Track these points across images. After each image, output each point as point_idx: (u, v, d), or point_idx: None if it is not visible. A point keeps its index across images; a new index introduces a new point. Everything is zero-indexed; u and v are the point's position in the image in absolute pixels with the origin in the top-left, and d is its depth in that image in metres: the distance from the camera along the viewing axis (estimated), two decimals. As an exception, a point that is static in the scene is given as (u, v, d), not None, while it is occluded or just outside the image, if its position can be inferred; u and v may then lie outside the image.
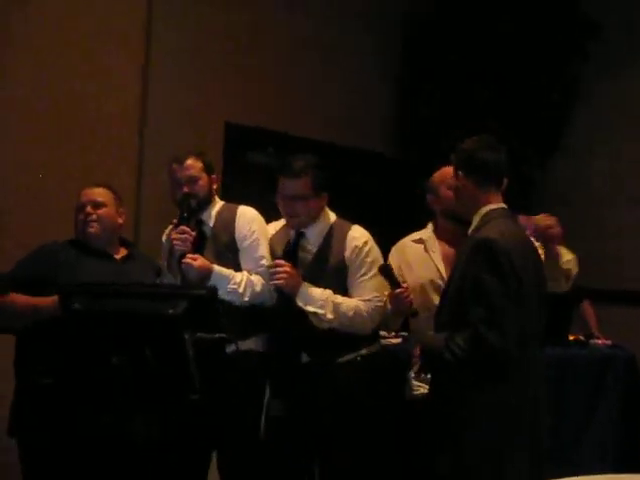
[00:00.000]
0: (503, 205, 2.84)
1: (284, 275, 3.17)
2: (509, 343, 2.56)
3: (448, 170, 3.19)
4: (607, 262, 5.53)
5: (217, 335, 2.38)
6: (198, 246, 3.31)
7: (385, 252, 3.47)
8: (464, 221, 2.98)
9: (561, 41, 5.80)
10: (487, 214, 2.79)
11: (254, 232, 3.37)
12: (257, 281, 3.28)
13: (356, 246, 3.28)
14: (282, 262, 3.19)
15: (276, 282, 3.18)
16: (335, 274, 3.28)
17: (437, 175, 3.43)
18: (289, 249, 3.35)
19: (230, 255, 3.35)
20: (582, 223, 5.55)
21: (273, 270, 3.19)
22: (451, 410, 2.70)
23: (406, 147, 6.10)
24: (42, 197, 4.34)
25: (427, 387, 3.10)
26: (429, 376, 2.99)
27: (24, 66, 4.29)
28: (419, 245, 3.47)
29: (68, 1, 4.52)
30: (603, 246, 5.48)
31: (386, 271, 3.20)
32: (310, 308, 3.20)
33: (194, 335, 2.36)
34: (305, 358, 3.27)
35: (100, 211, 3.27)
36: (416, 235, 3.52)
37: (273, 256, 3.34)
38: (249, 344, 3.27)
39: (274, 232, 3.47)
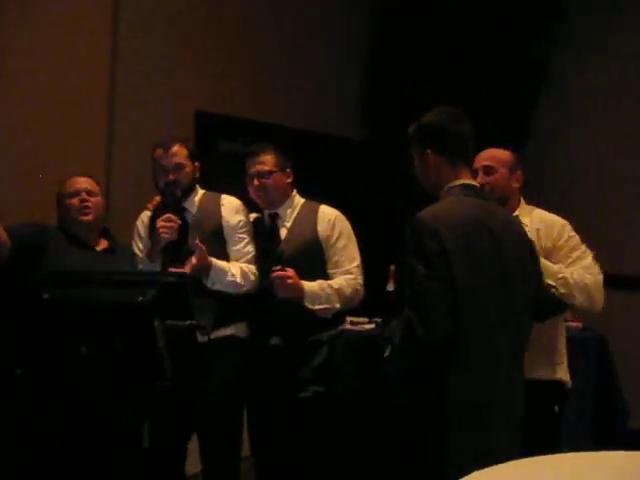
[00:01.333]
0: (468, 181, 2.67)
1: (289, 285, 3.23)
2: (433, 327, 2.43)
3: (488, 154, 3.22)
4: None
5: (187, 322, 2.37)
6: (181, 234, 3.32)
7: (357, 232, 3.56)
8: None
9: (527, 23, 5.79)
10: (447, 191, 2.64)
11: (241, 222, 3.44)
12: (249, 270, 3.36)
13: (329, 220, 3.45)
14: (283, 273, 3.22)
15: (282, 295, 3.25)
16: (309, 249, 3.41)
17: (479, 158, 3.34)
18: (268, 234, 3.47)
19: (216, 243, 3.38)
20: (556, 207, 5.59)
21: (278, 282, 3.23)
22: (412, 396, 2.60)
23: (375, 130, 6.09)
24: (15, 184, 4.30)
25: None
26: None
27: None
28: None
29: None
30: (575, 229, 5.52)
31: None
32: (319, 306, 3.32)
33: (164, 323, 2.35)
34: (275, 340, 3.39)
35: (93, 199, 3.26)
36: None
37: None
38: (231, 330, 3.35)
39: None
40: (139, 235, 3.48)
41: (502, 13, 5.70)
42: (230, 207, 3.46)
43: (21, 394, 2.96)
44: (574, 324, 4.61)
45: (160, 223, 3.26)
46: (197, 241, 3.22)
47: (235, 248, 3.41)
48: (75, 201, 3.22)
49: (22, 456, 2.94)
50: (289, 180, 3.52)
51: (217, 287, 3.28)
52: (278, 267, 3.22)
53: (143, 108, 4.85)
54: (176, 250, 3.28)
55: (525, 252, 2.69)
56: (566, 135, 6.04)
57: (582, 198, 5.81)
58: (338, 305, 3.36)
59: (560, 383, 3.12)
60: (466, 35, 5.68)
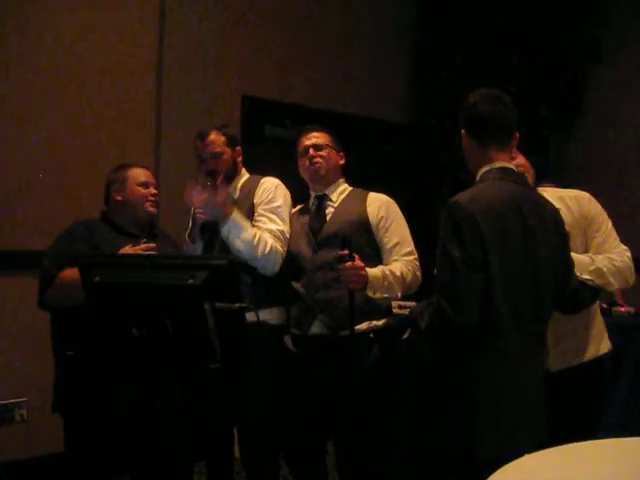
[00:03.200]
0: (505, 164, 2.63)
1: (355, 277, 3.06)
2: (466, 314, 2.43)
3: None
4: (631, 230, 5.47)
5: (237, 305, 2.37)
6: None
7: (406, 217, 3.44)
8: None
9: (578, 2, 5.69)
10: (484, 174, 2.62)
11: (274, 198, 3.35)
12: (271, 244, 3.23)
13: (380, 203, 3.36)
14: (349, 264, 3.03)
15: (349, 287, 3.06)
16: (356, 229, 3.26)
17: None
18: (314, 213, 3.37)
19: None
20: (605, 190, 5.49)
21: (344, 274, 3.04)
22: (440, 380, 2.62)
23: (423, 114, 6.04)
24: (59, 176, 4.36)
25: None
26: None
27: (36, 44, 4.29)
28: None
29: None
30: (626, 214, 5.44)
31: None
32: (379, 294, 3.18)
33: (214, 305, 2.35)
34: (315, 329, 3.25)
35: (158, 193, 3.38)
36: None
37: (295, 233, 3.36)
38: (264, 315, 3.21)
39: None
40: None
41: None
42: (264, 187, 3.39)
43: (75, 375, 3.03)
44: (623, 309, 4.55)
45: (196, 204, 3.28)
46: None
47: (256, 224, 3.30)
48: (145, 191, 3.31)
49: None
50: (341, 162, 3.47)
51: (231, 241, 3.20)
52: (346, 252, 3.03)
53: (190, 95, 4.88)
54: (215, 231, 3.29)
55: (557, 240, 2.67)
56: (615, 115, 5.92)
57: (631, 177, 5.72)
58: (399, 294, 3.24)
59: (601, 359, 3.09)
60: (515, 15, 5.60)
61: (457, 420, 2.51)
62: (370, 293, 3.15)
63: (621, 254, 2.96)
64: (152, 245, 3.11)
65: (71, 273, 2.99)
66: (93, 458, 3.05)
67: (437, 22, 6.01)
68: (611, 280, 2.90)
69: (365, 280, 3.09)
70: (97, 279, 2.49)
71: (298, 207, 3.52)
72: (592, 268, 2.88)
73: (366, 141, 5.74)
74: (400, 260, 3.26)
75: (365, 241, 3.26)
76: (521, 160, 3.08)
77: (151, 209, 3.31)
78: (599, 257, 2.93)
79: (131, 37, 4.65)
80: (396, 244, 3.29)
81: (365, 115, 5.79)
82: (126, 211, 3.30)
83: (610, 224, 3.05)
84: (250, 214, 3.33)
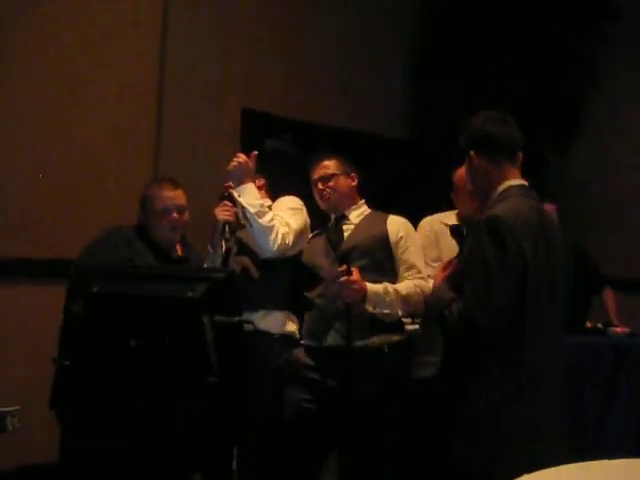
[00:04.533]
0: (522, 182, 2.71)
1: (354, 290, 3.12)
2: (495, 324, 2.48)
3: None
4: (629, 250, 5.48)
5: (236, 318, 2.36)
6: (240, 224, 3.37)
7: None
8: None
9: (578, 20, 5.72)
10: (505, 191, 2.67)
11: (291, 207, 3.41)
12: (277, 227, 3.25)
13: (399, 224, 3.41)
14: (347, 278, 3.10)
15: (346, 300, 3.13)
16: (375, 245, 3.33)
17: (458, 178, 3.42)
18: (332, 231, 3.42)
19: None
20: (603, 210, 5.51)
21: (346, 287, 3.12)
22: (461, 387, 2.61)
23: (422, 130, 6.05)
24: (62, 182, 4.37)
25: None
26: None
27: (39, 48, 4.30)
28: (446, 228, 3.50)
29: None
30: (625, 234, 5.46)
31: (457, 232, 3.09)
32: (379, 310, 3.20)
33: (213, 318, 2.35)
34: (331, 339, 3.24)
35: (183, 216, 3.27)
36: (445, 219, 3.58)
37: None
38: (266, 323, 3.25)
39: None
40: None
41: (550, 12, 5.63)
42: (282, 198, 3.48)
43: (70, 386, 3.01)
44: (619, 330, 4.56)
45: (216, 210, 3.31)
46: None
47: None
48: (165, 221, 3.22)
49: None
50: (354, 184, 3.49)
51: (243, 205, 3.22)
52: (344, 268, 3.12)
53: (191, 107, 4.88)
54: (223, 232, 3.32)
55: (566, 257, 2.76)
56: (614, 134, 5.94)
57: (631, 196, 5.74)
58: (400, 312, 3.26)
59: None
60: (513, 34, 5.62)
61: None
62: (369, 308, 3.18)
63: None
64: None
65: None
66: (88, 468, 3.02)
67: (437, 38, 6.03)
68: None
69: (361, 294, 3.13)
70: (95, 289, 2.48)
71: (316, 232, 3.54)
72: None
73: (364, 157, 5.74)
74: (412, 280, 3.29)
75: (385, 257, 3.31)
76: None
77: (173, 237, 3.26)
78: None
79: (133, 50, 4.66)
80: (412, 265, 3.33)
81: (364, 130, 5.80)
82: (151, 232, 3.27)
83: None
84: None
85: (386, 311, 3.21)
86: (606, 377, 4.12)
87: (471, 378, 2.57)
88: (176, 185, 3.31)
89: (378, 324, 3.22)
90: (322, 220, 3.56)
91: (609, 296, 5.03)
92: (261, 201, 3.27)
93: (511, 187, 2.67)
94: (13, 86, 4.19)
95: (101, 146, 4.49)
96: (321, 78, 5.62)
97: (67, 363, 2.82)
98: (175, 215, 3.22)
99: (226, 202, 3.33)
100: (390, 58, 6.07)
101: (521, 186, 2.69)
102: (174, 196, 3.26)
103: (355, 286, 3.11)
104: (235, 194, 3.26)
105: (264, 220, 3.22)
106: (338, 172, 3.44)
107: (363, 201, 3.53)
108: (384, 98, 6.00)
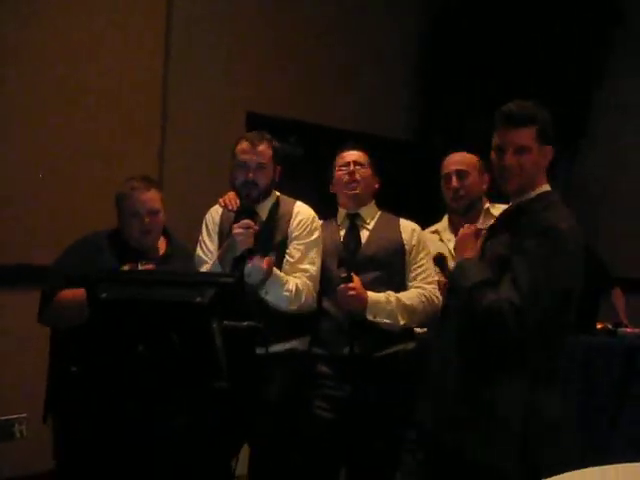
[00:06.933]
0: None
1: (353, 296, 3.06)
2: (523, 331, 2.40)
3: (458, 158, 3.36)
4: (634, 250, 5.46)
5: (245, 323, 2.35)
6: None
7: None
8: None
9: (583, 22, 5.70)
10: (546, 196, 2.56)
11: (310, 232, 3.21)
12: (306, 288, 3.12)
13: (413, 230, 3.33)
14: (347, 285, 3.05)
15: (344, 307, 3.09)
16: (392, 254, 3.27)
17: (450, 163, 3.47)
18: (347, 232, 3.33)
19: (278, 254, 3.15)
20: (611, 210, 5.48)
21: (345, 294, 3.06)
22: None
23: (429, 134, 6.03)
24: (62, 186, 4.35)
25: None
26: None
27: (42, 56, 4.30)
28: (435, 235, 3.54)
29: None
30: (634, 234, 5.42)
31: (440, 261, 3.09)
32: (380, 319, 3.12)
33: (222, 323, 2.33)
34: (347, 349, 3.16)
35: (156, 219, 3.12)
36: (432, 227, 3.61)
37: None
38: (294, 343, 3.16)
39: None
40: (208, 233, 3.26)
41: (555, 14, 5.62)
42: (300, 218, 3.22)
43: (78, 393, 2.99)
44: (629, 330, 4.53)
45: (237, 230, 2.98)
46: (291, 252, 3.14)
47: (291, 260, 3.15)
48: (136, 223, 3.08)
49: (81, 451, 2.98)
50: (376, 186, 3.44)
51: (268, 297, 3.06)
52: (344, 274, 3.06)
53: (195, 110, 4.88)
54: (242, 257, 3.00)
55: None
56: (622, 137, 5.91)
57: (634, 200, 5.72)
58: (402, 322, 3.15)
59: None
60: (519, 35, 5.62)
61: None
62: (370, 317, 3.12)
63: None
64: (150, 267, 2.97)
65: (69, 294, 2.95)
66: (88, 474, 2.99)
67: (441, 39, 6.03)
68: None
69: (362, 303, 3.08)
70: (104, 295, 2.47)
71: (322, 222, 3.39)
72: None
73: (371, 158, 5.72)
74: (420, 287, 3.23)
75: (400, 268, 3.25)
76: None
77: (145, 242, 3.10)
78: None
79: (137, 51, 4.65)
80: (421, 272, 3.26)
81: (370, 132, 5.78)
82: (126, 233, 3.16)
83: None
84: (283, 240, 3.20)
85: (386, 321, 3.13)
86: (617, 378, 4.09)
87: (500, 371, 2.50)
88: (149, 185, 3.14)
89: (392, 333, 3.16)
90: (324, 213, 3.43)
91: (618, 296, 5.00)
92: (285, 287, 3.06)
93: (550, 193, 2.59)
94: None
95: (104, 152, 4.48)
96: (327, 81, 5.61)
97: (76, 370, 2.80)
98: (147, 219, 3.08)
99: (248, 222, 3.00)
100: (397, 60, 6.06)
101: (556, 193, 2.61)
102: (145, 199, 3.09)
103: (353, 292, 3.05)
104: (262, 294, 3.04)
105: (287, 305, 3.08)
106: (370, 167, 3.40)
107: (374, 202, 3.47)
108: (391, 100, 6.00)
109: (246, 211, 3.06)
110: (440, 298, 3.18)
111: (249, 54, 5.19)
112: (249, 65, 5.19)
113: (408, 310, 3.16)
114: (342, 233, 3.36)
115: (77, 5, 4.43)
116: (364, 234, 3.32)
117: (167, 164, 4.77)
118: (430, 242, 3.45)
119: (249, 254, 2.92)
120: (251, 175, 3.13)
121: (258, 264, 2.94)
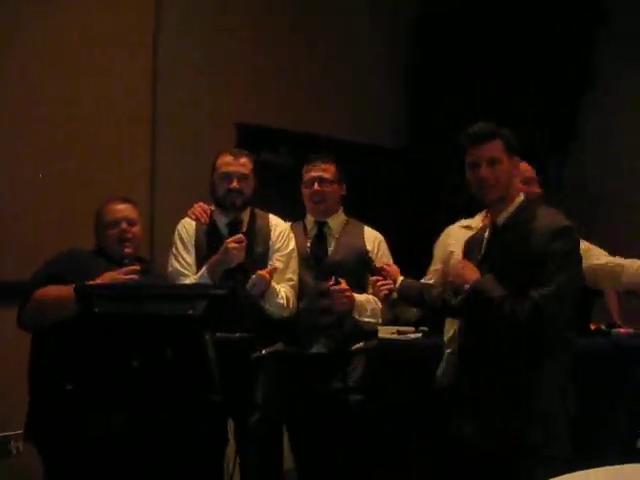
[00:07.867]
0: None
1: (345, 300, 3.30)
2: (561, 324, 2.66)
3: None
4: (632, 249, 5.46)
5: (237, 334, 2.36)
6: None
7: (399, 243, 3.72)
8: None
9: (575, 23, 5.75)
10: (538, 199, 2.88)
11: (288, 244, 3.43)
12: (291, 297, 3.35)
13: (375, 239, 3.56)
14: (339, 287, 3.27)
15: (338, 309, 3.31)
16: (356, 261, 3.48)
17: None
18: (316, 240, 3.54)
19: (259, 265, 3.29)
20: (603, 211, 5.48)
21: (337, 296, 3.29)
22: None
23: (418, 141, 6.06)
24: (50, 202, 4.34)
25: None
26: None
27: (27, 67, 4.27)
28: (466, 230, 3.47)
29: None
30: (624, 234, 5.42)
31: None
32: (364, 318, 3.41)
33: (214, 335, 2.34)
34: (318, 349, 3.41)
35: (134, 229, 3.18)
36: (465, 222, 3.62)
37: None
38: (277, 346, 3.34)
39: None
40: (184, 246, 3.35)
41: (548, 15, 5.65)
42: (279, 230, 3.43)
43: (71, 408, 2.98)
44: (623, 330, 4.53)
45: (232, 245, 3.16)
46: (275, 264, 3.32)
47: (279, 271, 3.35)
48: (115, 232, 3.14)
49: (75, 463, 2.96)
50: (342, 194, 3.60)
51: (268, 307, 3.28)
52: (332, 281, 3.27)
53: (185, 120, 4.89)
54: (234, 270, 3.20)
55: None
56: (611, 138, 5.94)
57: (631, 198, 5.74)
58: (380, 320, 3.49)
59: None
60: (510, 37, 5.65)
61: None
62: (356, 315, 3.38)
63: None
64: (136, 268, 3.00)
65: (49, 290, 2.95)
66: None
67: (433, 43, 6.06)
68: None
69: (351, 303, 3.34)
70: (97, 310, 2.48)
71: (289, 225, 3.57)
72: None
73: (360, 167, 5.73)
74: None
75: (364, 272, 3.45)
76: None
77: (125, 250, 3.14)
78: None
79: (125, 65, 4.65)
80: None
81: (360, 141, 5.81)
82: (105, 248, 3.20)
83: None
84: (264, 251, 3.37)
85: (370, 319, 3.42)
86: (610, 378, 4.09)
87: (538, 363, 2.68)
88: (126, 200, 3.26)
89: (359, 331, 3.42)
90: (292, 218, 3.62)
91: (612, 297, 5.00)
92: (279, 295, 3.30)
93: (539, 195, 2.98)
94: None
95: (94, 165, 4.47)
96: (316, 91, 5.63)
97: (70, 387, 2.80)
98: (124, 226, 3.14)
99: (241, 236, 3.20)
100: (384, 68, 6.09)
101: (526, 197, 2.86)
102: (122, 209, 3.19)
103: (349, 294, 3.31)
104: (266, 306, 3.27)
105: (281, 312, 3.31)
106: (335, 179, 3.53)
107: (342, 209, 3.63)
108: (380, 109, 6.02)
109: (237, 224, 3.29)
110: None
111: (238, 65, 5.20)
112: (238, 76, 5.20)
113: (381, 310, 3.45)
114: (310, 240, 3.56)
115: (70, 8, 4.44)
116: (331, 242, 3.52)
117: (158, 179, 4.77)
118: (458, 237, 3.46)
119: (242, 267, 3.13)
120: (235, 184, 3.29)
121: (262, 275, 3.17)
